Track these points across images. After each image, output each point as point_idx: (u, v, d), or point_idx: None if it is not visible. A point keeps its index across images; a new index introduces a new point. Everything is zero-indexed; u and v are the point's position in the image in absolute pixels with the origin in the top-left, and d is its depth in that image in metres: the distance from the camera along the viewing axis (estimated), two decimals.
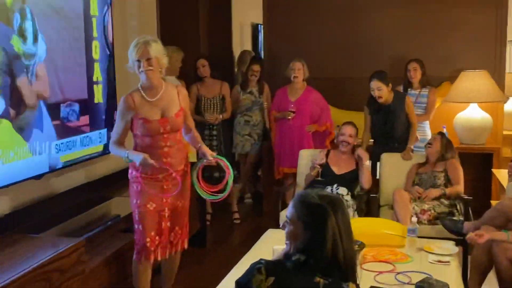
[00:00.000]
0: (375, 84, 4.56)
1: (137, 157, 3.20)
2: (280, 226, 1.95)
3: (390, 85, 4.63)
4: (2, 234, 3.25)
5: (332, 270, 1.83)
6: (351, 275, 1.88)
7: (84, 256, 3.23)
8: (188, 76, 5.46)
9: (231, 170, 3.43)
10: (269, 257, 2.26)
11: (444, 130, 5.22)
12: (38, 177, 3.57)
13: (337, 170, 4.49)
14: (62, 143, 3.76)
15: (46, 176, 3.68)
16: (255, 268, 1.84)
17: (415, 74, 5.22)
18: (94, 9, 4.10)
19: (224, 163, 3.43)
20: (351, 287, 1.84)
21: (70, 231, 3.52)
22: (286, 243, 1.95)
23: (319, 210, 1.86)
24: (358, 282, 1.94)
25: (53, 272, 2.99)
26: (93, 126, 4.13)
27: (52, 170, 3.70)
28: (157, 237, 3.35)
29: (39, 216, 3.61)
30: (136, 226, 3.35)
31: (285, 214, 4.55)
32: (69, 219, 3.76)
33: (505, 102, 5.88)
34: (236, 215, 5.73)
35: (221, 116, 5.35)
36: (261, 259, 1.89)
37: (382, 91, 4.56)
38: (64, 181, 3.97)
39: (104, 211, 4.09)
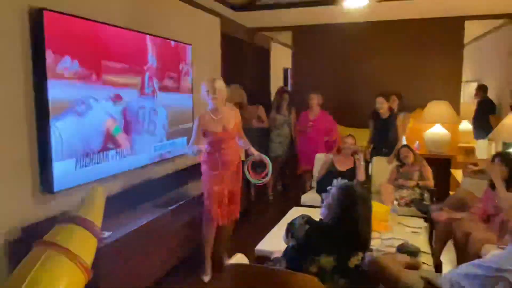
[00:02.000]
0: (380, 99, 4.56)
1: (194, 148, 3.16)
2: (323, 197, 1.93)
3: (389, 102, 4.62)
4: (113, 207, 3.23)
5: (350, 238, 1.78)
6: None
7: (170, 220, 3.27)
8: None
9: (269, 164, 3.41)
10: None
11: (417, 143, 5.14)
12: (142, 167, 3.60)
13: (340, 167, 4.44)
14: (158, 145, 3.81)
15: (148, 166, 3.69)
16: (301, 215, 1.90)
17: (382, 106, 4.77)
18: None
19: (266, 160, 3.40)
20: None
21: (161, 204, 3.55)
22: (322, 208, 1.92)
23: (350, 196, 1.83)
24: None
25: (151, 232, 3.04)
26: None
27: (151, 162, 3.72)
28: (219, 210, 3.36)
29: (141, 194, 3.62)
30: (205, 201, 3.37)
31: (304, 198, 4.48)
32: (161, 196, 3.78)
33: (459, 123, 5.88)
34: (271, 197, 5.71)
35: (264, 123, 5.45)
36: (307, 215, 1.89)
37: (383, 104, 4.56)
38: (158, 170, 3.98)
39: (184, 191, 4.11)
